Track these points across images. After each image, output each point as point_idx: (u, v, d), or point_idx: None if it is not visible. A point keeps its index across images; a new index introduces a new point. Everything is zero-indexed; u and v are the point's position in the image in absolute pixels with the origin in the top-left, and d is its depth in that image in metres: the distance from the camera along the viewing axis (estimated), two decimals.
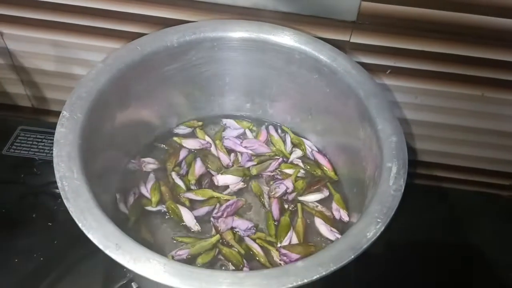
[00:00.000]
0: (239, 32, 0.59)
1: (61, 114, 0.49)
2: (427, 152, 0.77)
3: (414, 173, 0.80)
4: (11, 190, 0.68)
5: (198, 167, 0.63)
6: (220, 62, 0.63)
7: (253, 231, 0.58)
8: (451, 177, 0.80)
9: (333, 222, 0.60)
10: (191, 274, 0.39)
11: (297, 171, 0.64)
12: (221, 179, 0.62)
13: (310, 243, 0.58)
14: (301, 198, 0.62)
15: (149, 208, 0.59)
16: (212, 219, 0.58)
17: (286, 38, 0.59)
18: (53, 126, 0.74)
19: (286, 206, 0.61)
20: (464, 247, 0.72)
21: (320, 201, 0.62)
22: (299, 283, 0.39)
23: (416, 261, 0.68)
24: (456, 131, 0.72)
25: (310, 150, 0.67)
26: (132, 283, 0.58)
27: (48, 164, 0.70)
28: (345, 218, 0.60)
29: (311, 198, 0.62)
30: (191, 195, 0.60)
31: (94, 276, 0.59)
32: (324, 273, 0.40)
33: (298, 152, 0.67)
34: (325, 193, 0.62)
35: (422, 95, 0.68)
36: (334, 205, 0.61)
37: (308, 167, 0.65)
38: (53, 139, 0.67)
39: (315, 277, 0.40)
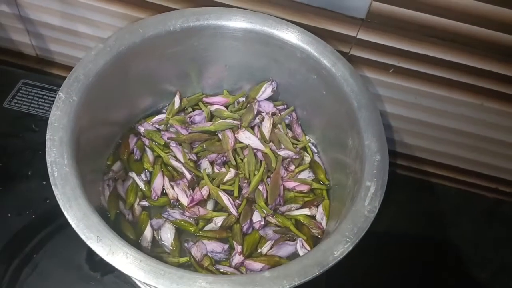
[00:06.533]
0: (243, 22, 0.59)
1: (57, 96, 0.50)
2: (420, 149, 0.78)
3: (405, 166, 0.81)
4: (9, 145, 0.68)
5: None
6: (222, 49, 0.62)
7: (228, 251, 0.56)
8: (440, 174, 0.81)
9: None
10: (164, 274, 0.42)
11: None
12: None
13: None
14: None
15: (122, 208, 0.59)
16: (185, 245, 0.56)
17: (289, 34, 0.58)
18: (55, 82, 0.76)
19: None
20: (442, 242, 0.74)
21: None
22: None
23: (393, 250, 0.71)
24: (451, 133, 0.73)
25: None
26: None
27: (47, 122, 0.70)
28: (324, 225, 0.59)
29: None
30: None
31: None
32: (287, 286, 0.42)
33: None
34: (313, 210, 0.60)
35: (422, 97, 0.68)
36: (320, 209, 0.60)
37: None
38: (54, 97, 0.70)
39: None
